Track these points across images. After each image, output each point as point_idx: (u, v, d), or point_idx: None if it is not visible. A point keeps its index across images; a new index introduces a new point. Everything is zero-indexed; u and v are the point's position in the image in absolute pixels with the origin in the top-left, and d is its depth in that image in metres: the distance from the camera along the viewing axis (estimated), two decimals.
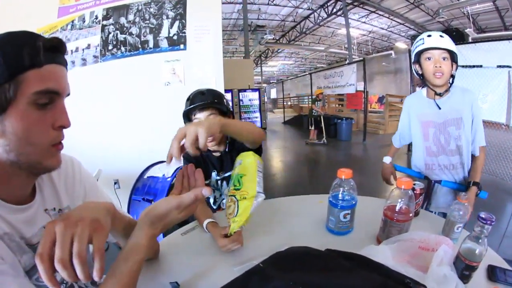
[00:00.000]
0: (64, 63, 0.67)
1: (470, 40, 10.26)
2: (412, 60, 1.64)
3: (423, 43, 1.53)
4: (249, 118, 11.84)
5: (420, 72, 1.61)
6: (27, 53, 0.57)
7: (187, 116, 1.53)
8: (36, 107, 0.60)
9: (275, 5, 14.16)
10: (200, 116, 1.47)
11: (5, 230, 0.61)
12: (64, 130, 0.68)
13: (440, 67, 1.50)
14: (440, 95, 1.59)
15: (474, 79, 4.14)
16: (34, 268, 0.64)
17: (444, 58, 1.50)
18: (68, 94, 0.69)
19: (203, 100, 1.46)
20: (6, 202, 0.64)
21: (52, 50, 0.62)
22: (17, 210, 0.66)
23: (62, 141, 0.68)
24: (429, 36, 1.53)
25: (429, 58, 1.53)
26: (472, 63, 4.15)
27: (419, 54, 1.57)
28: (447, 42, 1.51)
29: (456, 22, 13.45)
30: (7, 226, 0.62)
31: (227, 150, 1.56)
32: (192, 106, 1.46)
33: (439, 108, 1.60)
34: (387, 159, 1.92)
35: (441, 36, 1.52)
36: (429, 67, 1.53)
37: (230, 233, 0.97)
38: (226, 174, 1.54)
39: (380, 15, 14.44)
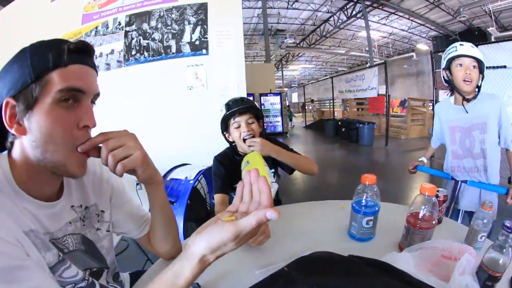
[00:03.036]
0: (91, 65, 0.70)
1: (492, 40, 9.96)
2: (443, 66, 1.72)
3: (456, 50, 1.63)
4: (270, 122, 11.86)
5: (448, 79, 1.70)
6: (52, 55, 0.62)
7: (225, 122, 1.59)
8: (60, 105, 0.63)
9: (294, 8, 14.13)
10: (240, 119, 1.53)
11: (31, 227, 0.63)
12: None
13: (469, 74, 1.59)
14: (468, 100, 1.69)
15: (498, 80, 3.99)
16: (58, 264, 0.67)
17: (473, 67, 1.60)
18: (98, 95, 0.72)
19: (242, 105, 1.53)
20: (35, 199, 0.67)
21: (78, 52, 0.66)
22: (45, 206, 0.69)
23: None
24: (461, 44, 1.64)
25: (460, 65, 1.63)
26: (495, 64, 4.02)
27: (450, 60, 1.65)
28: (477, 52, 1.61)
29: (477, 21, 13.12)
30: (33, 222, 0.64)
31: None
32: (233, 110, 1.52)
33: (467, 112, 1.69)
34: (422, 159, 2.09)
35: (472, 46, 1.62)
36: (459, 73, 1.63)
37: None
38: None
39: (400, 16, 14.18)
